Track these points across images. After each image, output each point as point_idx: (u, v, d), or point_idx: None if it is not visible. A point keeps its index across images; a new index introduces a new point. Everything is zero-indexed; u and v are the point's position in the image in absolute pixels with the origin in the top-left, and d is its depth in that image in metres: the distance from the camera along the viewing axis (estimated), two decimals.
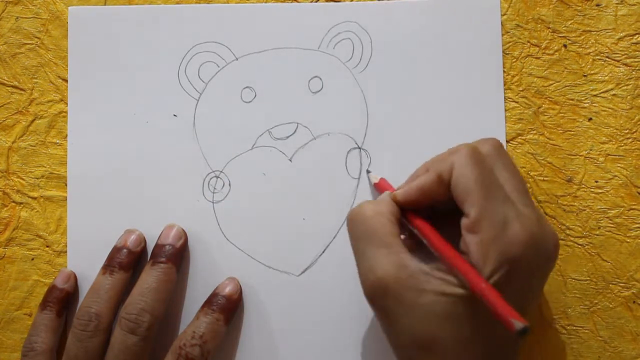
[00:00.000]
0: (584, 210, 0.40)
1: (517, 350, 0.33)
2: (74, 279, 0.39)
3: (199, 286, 0.39)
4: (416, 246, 0.34)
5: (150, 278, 0.37)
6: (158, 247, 0.38)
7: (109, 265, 0.38)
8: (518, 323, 0.28)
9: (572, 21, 0.41)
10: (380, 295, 0.32)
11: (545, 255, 0.32)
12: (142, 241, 0.39)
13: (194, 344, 0.36)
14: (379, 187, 0.38)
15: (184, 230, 0.39)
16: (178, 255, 0.38)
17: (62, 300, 0.38)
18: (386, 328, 0.33)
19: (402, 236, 0.34)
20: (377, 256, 0.32)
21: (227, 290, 0.38)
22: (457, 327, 0.31)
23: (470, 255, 0.31)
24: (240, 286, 0.39)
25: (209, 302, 0.38)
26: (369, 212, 0.33)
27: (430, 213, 0.34)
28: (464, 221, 0.31)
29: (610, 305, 0.39)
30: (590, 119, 0.40)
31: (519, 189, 0.33)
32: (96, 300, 0.37)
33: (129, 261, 0.38)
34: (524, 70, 0.40)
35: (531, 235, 0.31)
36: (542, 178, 0.40)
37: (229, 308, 0.38)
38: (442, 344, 0.31)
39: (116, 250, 0.38)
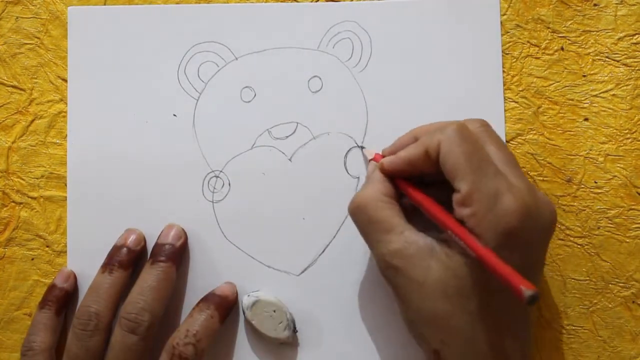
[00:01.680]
0: (584, 210, 0.40)
1: (529, 320, 0.34)
2: (73, 278, 0.39)
3: (199, 286, 0.39)
4: (416, 210, 0.35)
5: (149, 277, 0.37)
6: (158, 246, 0.38)
7: (109, 264, 0.38)
8: (527, 290, 0.28)
9: (572, 21, 0.41)
10: (392, 274, 0.33)
11: (541, 224, 0.33)
12: (142, 240, 0.39)
13: (188, 342, 0.35)
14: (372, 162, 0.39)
15: (183, 230, 0.39)
16: (178, 255, 0.38)
17: (62, 299, 0.38)
18: (400, 304, 0.34)
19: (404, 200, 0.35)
20: (384, 241, 0.33)
21: (224, 289, 0.38)
22: (466, 301, 0.31)
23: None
24: (236, 290, 0.39)
25: (204, 299, 0.38)
26: (365, 200, 0.34)
27: (419, 179, 0.35)
28: (456, 196, 0.32)
29: (610, 305, 0.39)
30: (586, 119, 0.40)
31: (509, 162, 0.33)
32: (96, 299, 0.37)
33: (128, 260, 0.38)
34: (523, 70, 0.40)
35: (524, 205, 0.31)
36: (541, 178, 0.40)
37: (224, 306, 0.38)
38: (453, 319, 0.32)
39: (116, 249, 0.38)
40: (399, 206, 0.35)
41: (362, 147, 0.40)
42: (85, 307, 0.36)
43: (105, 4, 0.41)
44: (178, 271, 0.38)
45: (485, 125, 0.35)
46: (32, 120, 0.41)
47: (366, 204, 0.34)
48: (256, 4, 0.41)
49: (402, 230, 0.33)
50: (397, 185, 0.36)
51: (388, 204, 0.34)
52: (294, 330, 0.38)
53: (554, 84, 0.40)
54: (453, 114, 0.40)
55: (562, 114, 0.40)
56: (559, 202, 0.40)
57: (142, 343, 0.35)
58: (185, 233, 0.39)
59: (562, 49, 0.40)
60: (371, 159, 0.38)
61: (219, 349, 0.39)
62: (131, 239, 0.39)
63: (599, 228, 0.39)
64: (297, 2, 0.41)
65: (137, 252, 0.39)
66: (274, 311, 0.38)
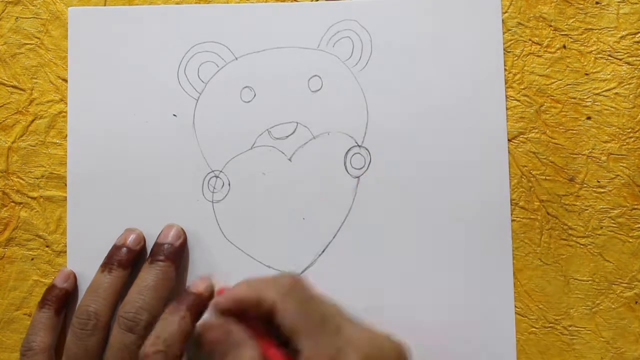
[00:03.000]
0: (586, 209, 0.39)
1: None
2: (73, 278, 0.39)
3: None
4: None
5: (148, 276, 0.37)
6: (157, 245, 0.38)
7: (108, 263, 0.38)
8: None
9: (574, 19, 0.40)
10: None
11: None
12: (142, 240, 0.39)
13: (158, 350, 0.34)
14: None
15: (183, 230, 0.39)
16: (177, 254, 0.38)
17: (61, 299, 0.38)
18: None
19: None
20: None
21: (198, 286, 0.36)
22: None
23: None
24: (212, 283, 0.37)
25: (177, 299, 0.36)
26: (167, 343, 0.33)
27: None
28: (298, 357, 0.31)
29: (613, 306, 0.39)
30: (589, 118, 0.39)
31: (340, 311, 0.32)
32: (94, 298, 0.36)
33: (128, 259, 0.38)
34: (525, 68, 0.40)
35: (366, 357, 0.31)
36: (544, 177, 0.39)
37: (196, 304, 0.36)
38: None
39: (115, 248, 0.38)
40: None
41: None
42: (84, 307, 0.36)
43: (105, 4, 0.41)
44: (177, 271, 0.38)
45: (301, 279, 0.33)
46: (32, 120, 0.41)
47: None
48: (256, 4, 0.41)
49: None
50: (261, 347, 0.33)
51: None
52: None
53: (556, 82, 0.40)
54: (454, 112, 0.40)
55: (565, 113, 0.40)
56: (562, 201, 0.39)
57: (140, 342, 0.35)
58: (184, 233, 0.39)
59: (564, 47, 0.40)
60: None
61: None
62: (131, 238, 0.39)
63: (601, 228, 0.39)
64: (297, 1, 0.41)
65: (137, 252, 0.39)
66: None
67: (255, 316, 0.32)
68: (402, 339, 0.38)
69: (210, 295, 0.37)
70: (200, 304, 0.36)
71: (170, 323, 0.35)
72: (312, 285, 0.33)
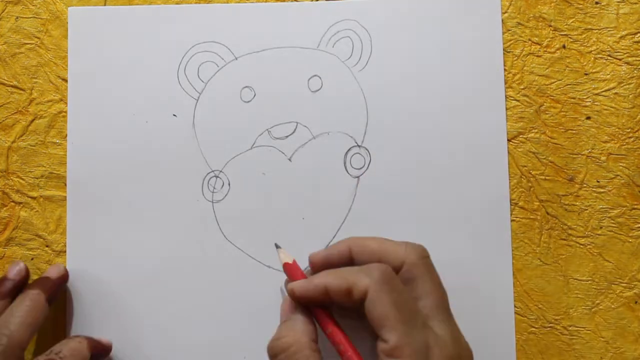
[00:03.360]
0: (586, 209, 0.39)
1: None
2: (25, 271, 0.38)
3: (198, 286, 0.39)
4: None
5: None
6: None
7: None
8: None
9: (574, 19, 0.40)
10: None
11: None
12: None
13: (2, 334, 0.34)
14: (287, 269, 0.36)
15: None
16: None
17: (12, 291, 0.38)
18: None
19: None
20: None
21: (50, 271, 0.38)
22: None
23: None
24: (64, 269, 0.39)
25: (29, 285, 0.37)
26: (290, 346, 0.33)
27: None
28: (382, 346, 0.31)
29: (613, 306, 0.39)
30: (588, 118, 0.39)
31: (439, 304, 0.33)
32: None
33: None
34: (525, 68, 0.40)
35: (449, 358, 0.31)
36: (543, 177, 0.39)
37: (49, 286, 0.37)
38: None
39: None
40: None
41: (277, 246, 0.38)
42: None
43: (105, 4, 0.41)
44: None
45: (426, 257, 0.34)
46: (32, 120, 0.41)
47: (292, 351, 0.32)
48: (256, 4, 0.41)
49: None
50: (316, 317, 0.34)
51: (314, 350, 0.32)
52: None
53: (555, 82, 0.40)
54: (453, 112, 0.40)
55: (564, 113, 0.40)
56: (561, 201, 0.39)
57: None
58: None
59: (563, 47, 0.40)
60: (285, 264, 0.37)
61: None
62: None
63: (601, 228, 0.39)
64: (297, 1, 0.41)
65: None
66: None
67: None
68: None
69: (62, 279, 0.38)
70: (50, 284, 0.37)
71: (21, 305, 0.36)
72: (421, 263, 0.34)
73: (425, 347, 0.31)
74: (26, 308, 0.36)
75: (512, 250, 0.39)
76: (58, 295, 0.39)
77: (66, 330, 0.39)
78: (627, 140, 0.39)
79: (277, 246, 0.38)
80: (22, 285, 0.38)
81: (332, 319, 0.34)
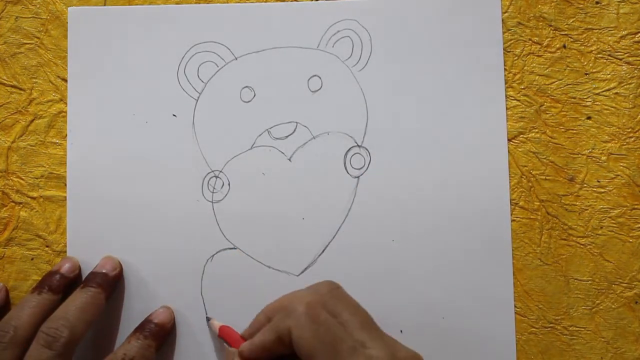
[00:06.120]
0: (586, 209, 0.39)
1: None
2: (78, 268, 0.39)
3: (198, 286, 0.39)
4: None
5: (77, 298, 0.37)
6: (92, 274, 0.38)
7: (39, 287, 0.38)
8: None
9: (574, 19, 0.40)
10: None
11: None
12: (76, 268, 0.39)
13: None
14: (223, 334, 0.37)
15: (120, 263, 0.39)
16: (110, 283, 0.38)
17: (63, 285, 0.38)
18: None
19: None
20: None
21: (161, 317, 0.38)
22: None
23: None
24: (173, 315, 0.39)
25: (140, 328, 0.38)
26: None
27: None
28: None
29: (613, 306, 0.39)
30: (589, 118, 0.39)
31: (364, 325, 0.33)
32: (18, 314, 0.36)
33: (59, 285, 0.38)
34: (525, 68, 0.40)
35: None
36: (544, 177, 0.39)
37: (160, 335, 0.38)
38: None
39: (49, 274, 0.38)
40: None
41: (208, 319, 0.39)
42: (6, 320, 0.36)
43: (105, 4, 0.41)
44: (107, 301, 0.38)
45: (335, 288, 0.35)
46: (32, 120, 0.41)
47: None
48: (256, 4, 0.41)
49: None
50: None
51: None
52: None
53: (556, 82, 0.40)
54: (454, 112, 0.40)
55: (565, 112, 0.40)
56: (562, 201, 0.39)
57: None
58: (121, 265, 0.39)
59: (564, 46, 0.40)
60: (220, 329, 0.38)
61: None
62: (65, 266, 0.39)
63: (602, 228, 0.39)
64: (297, 1, 0.41)
65: (70, 279, 0.39)
66: None
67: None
68: (400, 337, 0.38)
69: (172, 326, 0.39)
70: (164, 334, 0.38)
71: (137, 347, 0.36)
72: (332, 295, 0.34)
73: None
74: (87, 305, 0.36)
75: (513, 250, 0.39)
76: (114, 292, 0.39)
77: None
78: (627, 140, 0.39)
79: (208, 319, 0.39)
80: (74, 281, 0.39)
81: None
